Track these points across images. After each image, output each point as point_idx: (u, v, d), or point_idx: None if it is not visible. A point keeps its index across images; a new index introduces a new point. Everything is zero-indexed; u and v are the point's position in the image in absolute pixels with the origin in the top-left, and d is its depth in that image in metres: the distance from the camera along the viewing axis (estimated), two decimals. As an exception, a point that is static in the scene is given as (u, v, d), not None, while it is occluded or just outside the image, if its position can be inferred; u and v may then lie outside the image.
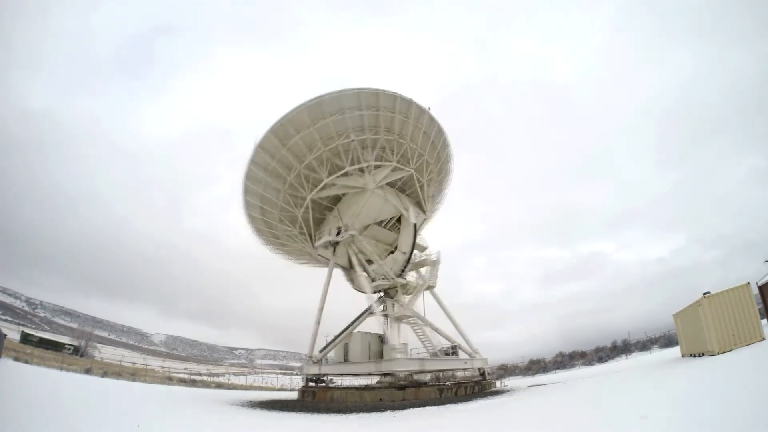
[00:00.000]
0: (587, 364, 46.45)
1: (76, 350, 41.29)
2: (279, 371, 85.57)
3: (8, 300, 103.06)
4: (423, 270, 30.36)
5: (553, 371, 48.31)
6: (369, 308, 27.01)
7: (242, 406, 19.28)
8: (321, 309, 27.44)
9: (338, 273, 30.48)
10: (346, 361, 26.49)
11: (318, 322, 26.95)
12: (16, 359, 24.66)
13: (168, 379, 38.02)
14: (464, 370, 28.48)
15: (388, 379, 23.50)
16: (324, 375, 26.31)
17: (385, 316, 27.90)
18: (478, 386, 23.80)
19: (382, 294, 28.98)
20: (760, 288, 20.40)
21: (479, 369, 28.36)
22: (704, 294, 16.17)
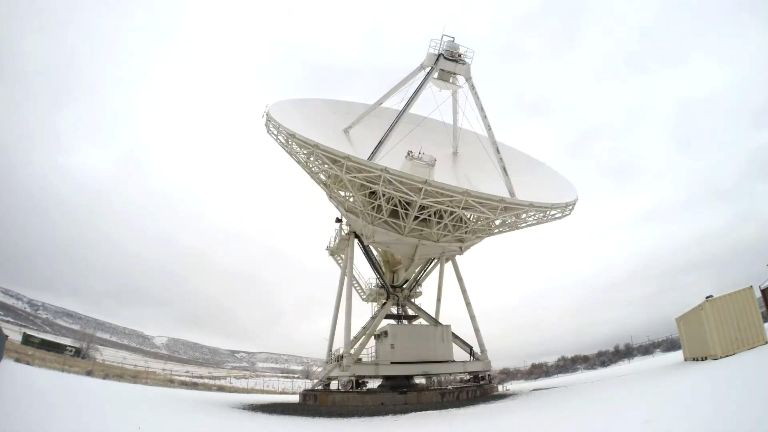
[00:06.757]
0: (590, 368, 46.31)
1: (78, 352, 41.35)
2: (280, 374, 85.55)
3: (10, 301, 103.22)
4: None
5: (556, 375, 48.14)
6: (382, 307, 25.15)
7: (243, 409, 19.23)
8: (339, 297, 24.14)
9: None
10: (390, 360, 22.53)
11: (336, 315, 23.98)
12: (18, 360, 24.66)
13: (169, 382, 38.06)
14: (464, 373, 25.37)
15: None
16: (364, 378, 22.24)
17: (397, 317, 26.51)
18: (480, 390, 23.55)
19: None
20: (763, 291, 20.34)
21: (480, 373, 24.68)
22: (707, 297, 16.10)
